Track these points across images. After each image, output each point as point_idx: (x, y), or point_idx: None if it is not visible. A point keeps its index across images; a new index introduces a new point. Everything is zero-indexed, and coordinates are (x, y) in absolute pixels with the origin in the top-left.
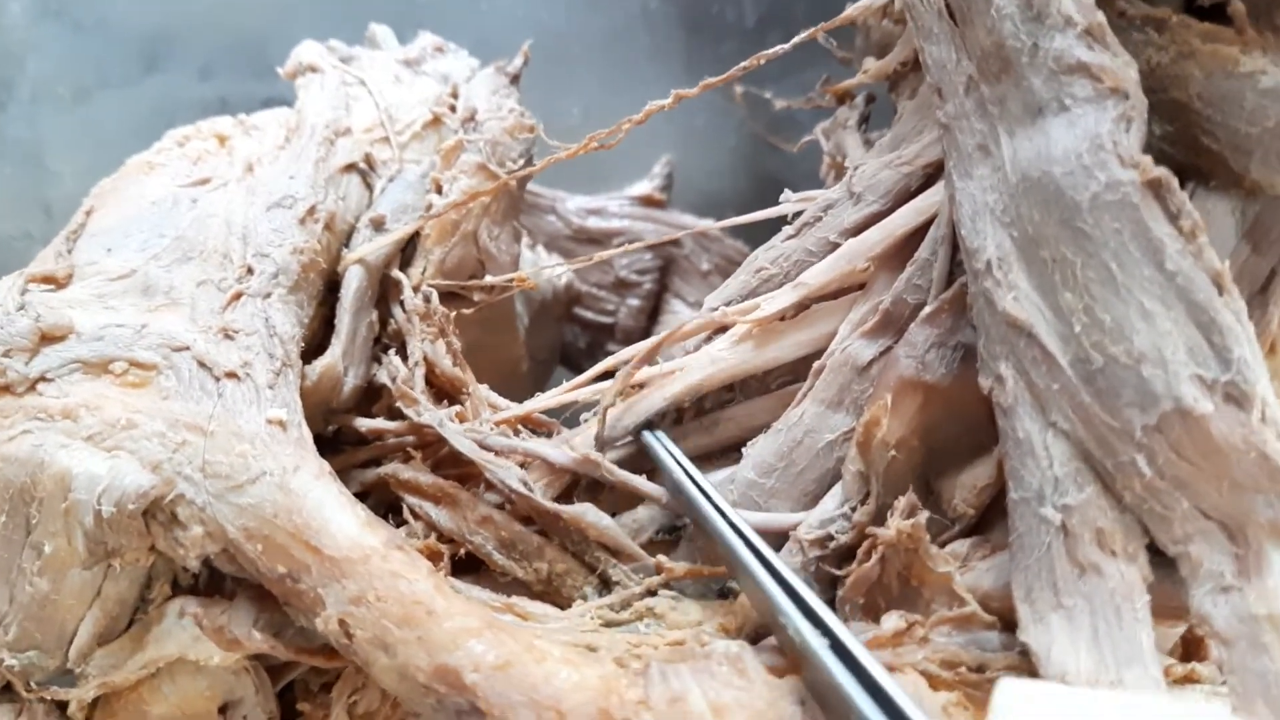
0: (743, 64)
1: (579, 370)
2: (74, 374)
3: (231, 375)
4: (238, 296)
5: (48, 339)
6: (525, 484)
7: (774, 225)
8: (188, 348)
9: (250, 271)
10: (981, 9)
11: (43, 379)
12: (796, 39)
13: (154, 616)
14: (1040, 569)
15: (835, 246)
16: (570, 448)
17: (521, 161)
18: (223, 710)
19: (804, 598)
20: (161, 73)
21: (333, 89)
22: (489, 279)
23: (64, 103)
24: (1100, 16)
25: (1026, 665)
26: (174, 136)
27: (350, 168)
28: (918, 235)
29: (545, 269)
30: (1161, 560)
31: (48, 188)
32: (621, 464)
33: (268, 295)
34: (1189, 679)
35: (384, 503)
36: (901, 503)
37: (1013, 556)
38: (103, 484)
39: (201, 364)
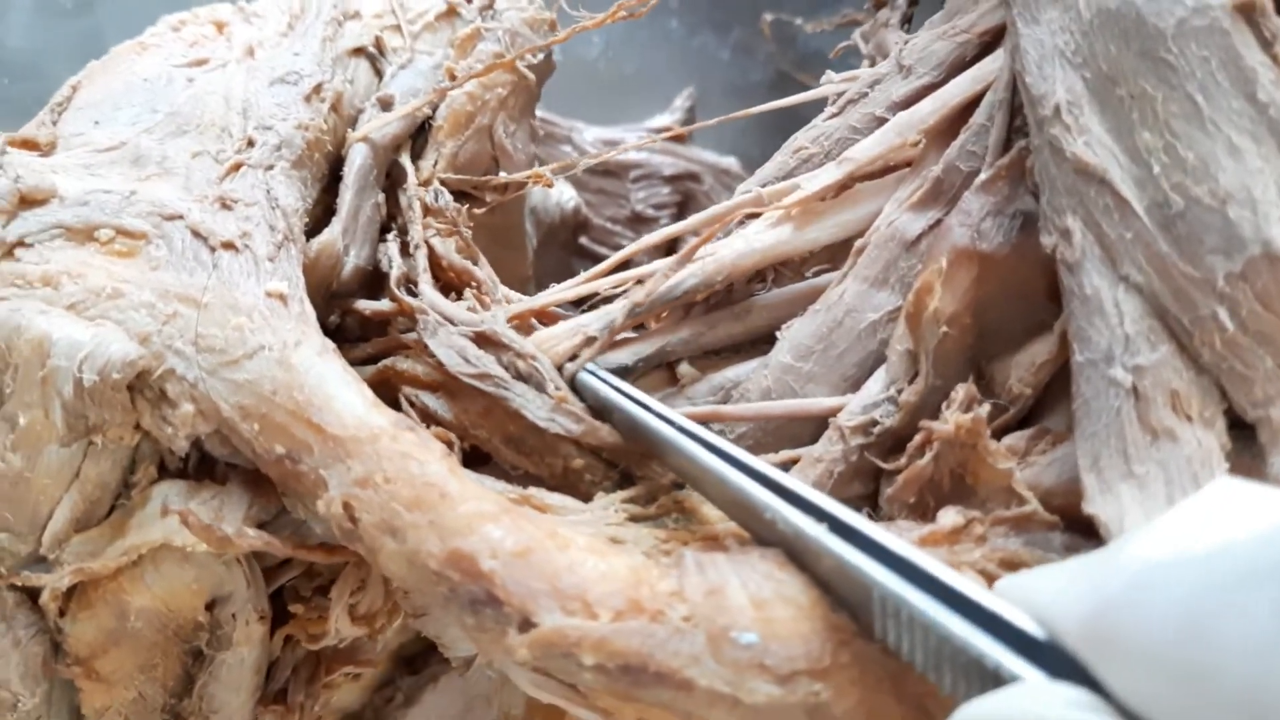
0: None
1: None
2: (56, 240)
3: (229, 245)
4: (237, 167)
5: (27, 202)
6: (538, 385)
7: None
8: (181, 216)
9: (251, 144)
10: None
11: (21, 244)
12: None
13: (137, 501)
14: (1109, 435)
15: (883, 122)
16: (555, 385)
17: (540, 56)
18: (210, 606)
19: (788, 487)
20: None
21: None
22: (503, 176)
23: (66, 12)
24: None
25: None
26: (168, 21)
27: (359, 51)
28: (972, 105)
29: (559, 168)
30: (1239, 430)
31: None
32: (643, 361)
33: (270, 167)
34: None
35: (389, 401)
36: (959, 393)
37: (1077, 424)
38: (85, 350)
39: (196, 233)
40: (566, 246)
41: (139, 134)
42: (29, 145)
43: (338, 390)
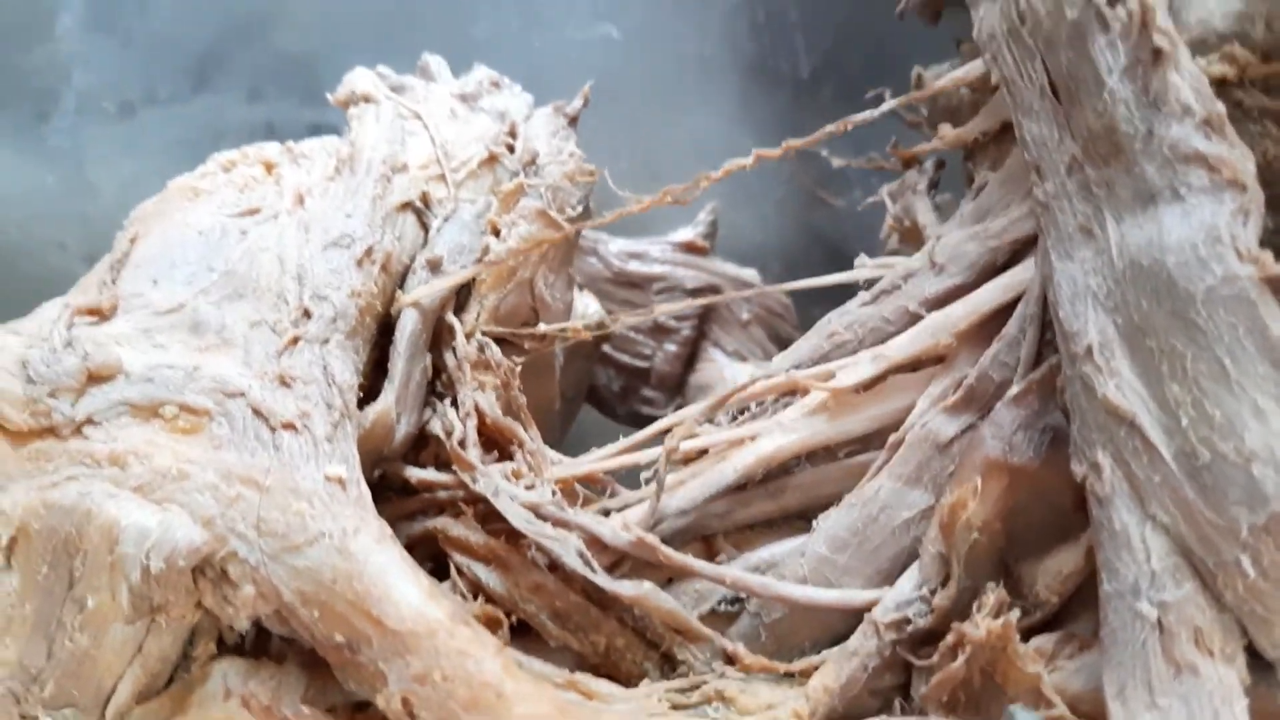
0: (828, 128)
1: (610, 413)
2: (122, 417)
3: (289, 426)
4: (295, 341)
5: (95, 379)
6: (585, 560)
7: (803, 274)
8: (242, 394)
9: (307, 314)
10: (1092, 91)
11: (89, 421)
12: (882, 108)
13: (197, 677)
14: (1135, 666)
15: (914, 316)
16: (625, 528)
17: (580, 208)
18: None
19: None
20: (209, 92)
21: (388, 121)
22: (542, 327)
23: (109, 117)
24: (1220, 106)
25: None
26: (219, 161)
27: (406, 206)
28: (1003, 311)
29: (595, 324)
30: (1258, 663)
31: (87, 200)
32: (679, 534)
33: (325, 341)
34: None
35: (429, 556)
36: (989, 598)
37: (1104, 651)
38: (152, 538)
39: (257, 412)
40: (589, 357)
41: (196, 295)
42: (93, 313)
43: (396, 581)
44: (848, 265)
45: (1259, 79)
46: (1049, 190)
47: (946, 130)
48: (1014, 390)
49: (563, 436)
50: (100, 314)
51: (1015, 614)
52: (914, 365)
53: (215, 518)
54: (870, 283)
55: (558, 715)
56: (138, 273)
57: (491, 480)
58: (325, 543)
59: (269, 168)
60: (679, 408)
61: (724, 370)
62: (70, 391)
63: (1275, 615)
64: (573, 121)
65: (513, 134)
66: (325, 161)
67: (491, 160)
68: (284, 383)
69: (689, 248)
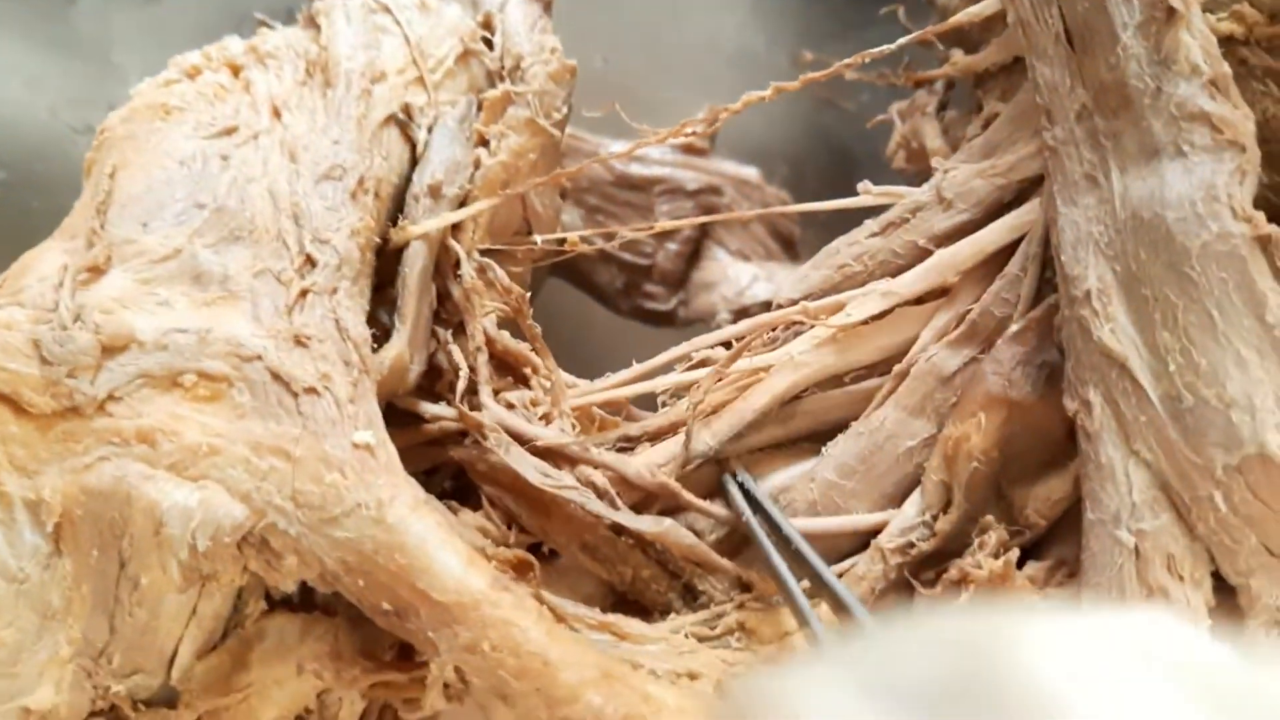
0: (845, 61)
1: (614, 308)
2: (142, 390)
3: (311, 391)
4: (304, 294)
5: (109, 350)
6: (610, 500)
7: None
8: (259, 357)
9: (311, 262)
10: (1106, 44)
11: (111, 398)
12: (899, 41)
13: (253, 633)
14: (1110, 587)
15: (923, 251)
16: (649, 470)
17: (566, 109)
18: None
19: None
20: None
21: (359, 21)
22: (537, 238)
23: (136, 1)
24: (1226, 69)
25: None
26: (182, 67)
27: (389, 120)
28: (1006, 250)
29: (595, 234)
30: (1222, 588)
31: (113, 83)
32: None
33: (334, 291)
34: None
35: (449, 476)
36: (991, 538)
37: (1084, 573)
38: (195, 519)
39: (276, 376)
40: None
41: (190, 238)
42: (90, 270)
43: (437, 552)
44: (854, 168)
45: (1265, 39)
46: (1058, 135)
47: (959, 57)
48: (1014, 328)
49: None
50: (97, 269)
51: (1015, 554)
52: (919, 299)
53: (251, 492)
54: (877, 210)
55: (601, 679)
56: (124, 213)
57: (502, 437)
58: (362, 514)
59: (235, 70)
60: (682, 303)
61: (727, 270)
62: (88, 369)
63: (1240, 546)
64: (548, 7)
65: (488, 26)
66: (294, 64)
67: (467, 55)
68: (299, 342)
69: (689, 149)
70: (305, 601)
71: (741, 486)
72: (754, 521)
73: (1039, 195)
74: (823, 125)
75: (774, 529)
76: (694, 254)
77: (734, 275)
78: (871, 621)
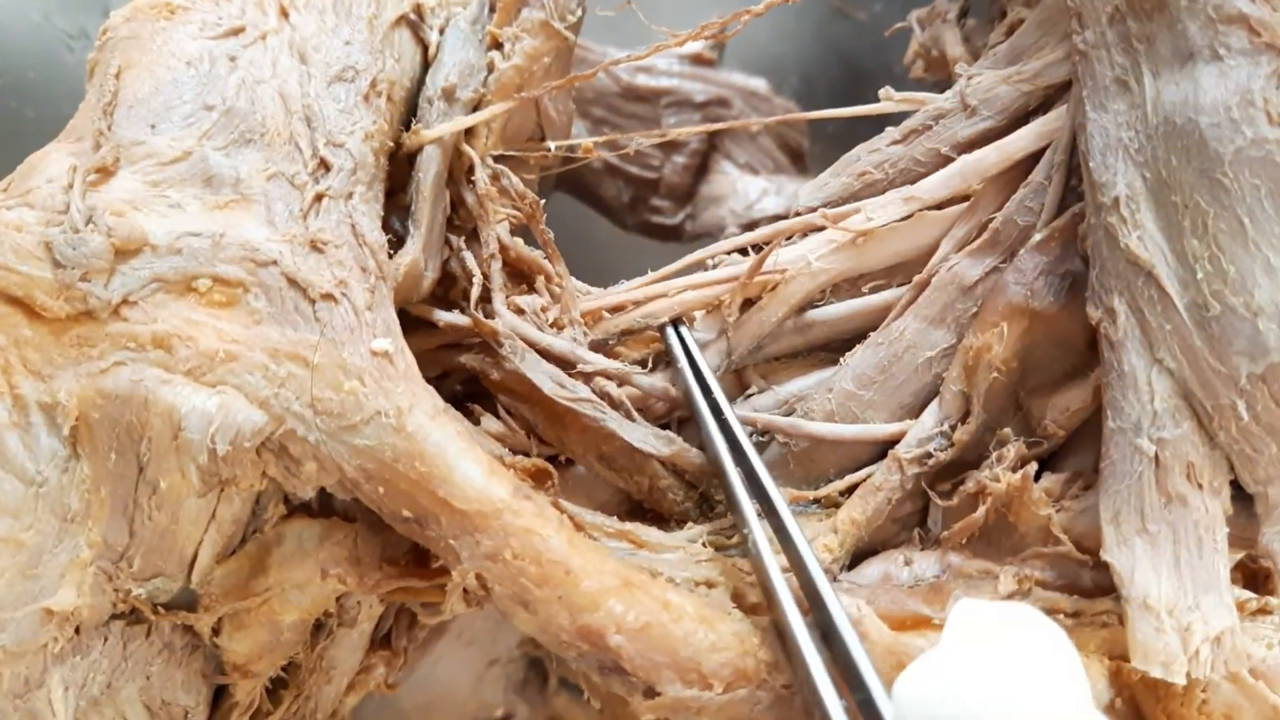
0: None
1: (620, 222)
2: (156, 294)
3: (328, 297)
4: (319, 199)
5: (122, 254)
6: (627, 411)
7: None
8: (274, 262)
9: (325, 166)
10: None
11: (125, 302)
12: None
13: (272, 538)
14: (1130, 495)
15: (945, 158)
16: (665, 393)
17: (580, 12)
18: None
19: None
20: None
21: None
22: (550, 144)
23: None
24: None
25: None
26: None
27: (401, 20)
28: (1032, 157)
29: (605, 141)
30: (1240, 495)
31: None
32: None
33: (349, 196)
34: (1263, 611)
35: (463, 381)
36: (1009, 452)
37: (1102, 480)
38: (215, 423)
39: (292, 282)
40: None
41: (200, 140)
42: (99, 171)
43: (457, 461)
44: (866, 81)
45: None
46: (1088, 39)
47: None
48: (1037, 236)
49: None
50: (105, 171)
51: (1033, 467)
52: (940, 205)
53: (270, 399)
54: (894, 118)
55: (622, 587)
56: (131, 115)
57: (517, 345)
58: (382, 421)
59: None
60: (689, 217)
61: (736, 183)
62: (101, 273)
63: (1260, 455)
64: None
65: None
66: None
67: None
68: (315, 248)
69: (697, 59)
70: (324, 508)
71: (683, 342)
72: (689, 374)
73: (1065, 102)
74: (834, 36)
75: (705, 390)
76: (701, 167)
77: (742, 189)
78: (782, 498)
